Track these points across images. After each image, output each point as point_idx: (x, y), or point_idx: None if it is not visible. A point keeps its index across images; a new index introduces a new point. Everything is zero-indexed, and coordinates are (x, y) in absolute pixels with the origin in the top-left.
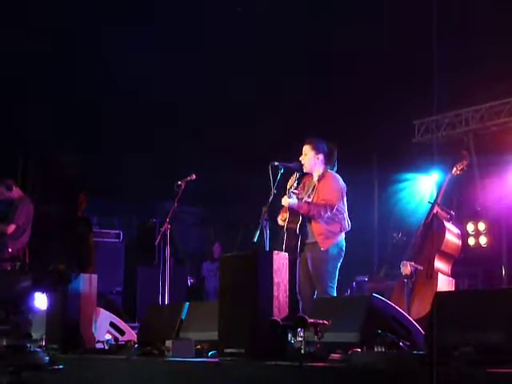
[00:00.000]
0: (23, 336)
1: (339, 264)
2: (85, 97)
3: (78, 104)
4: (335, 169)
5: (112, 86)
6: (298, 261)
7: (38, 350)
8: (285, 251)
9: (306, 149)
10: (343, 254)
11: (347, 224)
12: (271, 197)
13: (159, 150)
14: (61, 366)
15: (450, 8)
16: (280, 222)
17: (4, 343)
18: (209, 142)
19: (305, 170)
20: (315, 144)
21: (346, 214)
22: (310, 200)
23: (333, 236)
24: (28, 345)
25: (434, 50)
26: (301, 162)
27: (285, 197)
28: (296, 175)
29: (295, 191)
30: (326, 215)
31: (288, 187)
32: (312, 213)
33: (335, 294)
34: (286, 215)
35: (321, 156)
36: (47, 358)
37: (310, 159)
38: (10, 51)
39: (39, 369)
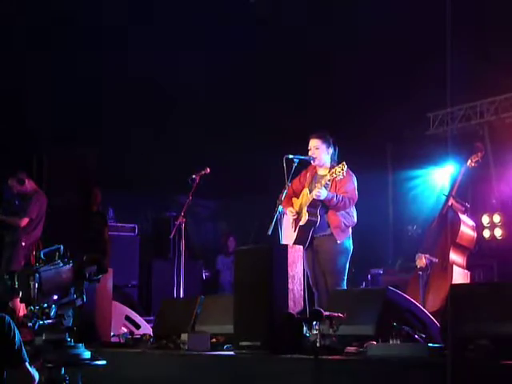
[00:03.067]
0: (64, 330)
1: (350, 256)
2: (102, 89)
3: (93, 97)
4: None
5: (127, 79)
6: (306, 255)
7: (80, 344)
8: (295, 243)
9: (317, 142)
10: (352, 247)
11: (355, 219)
12: (286, 190)
13: (174, 144)
14: (104, 362)
15: None
16: (292, 216)
17: (43, 337)
18: (223, 134)
19: (316, 163)
20: (326, 138)
21: (355, 210)
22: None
23: (346, 229)
24: (68, 339)
25: (447, 41)
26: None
27: (316, 188)
28: (340, 168)
29: (328, 183)
30: (349, 209)
31: (325, 178)
32: (340, 204)
33: (345, 286)
34: (295, 208)
35: (331, 150)
36: (88, 353)
37: (323, 152)
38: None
39: (80, 364)
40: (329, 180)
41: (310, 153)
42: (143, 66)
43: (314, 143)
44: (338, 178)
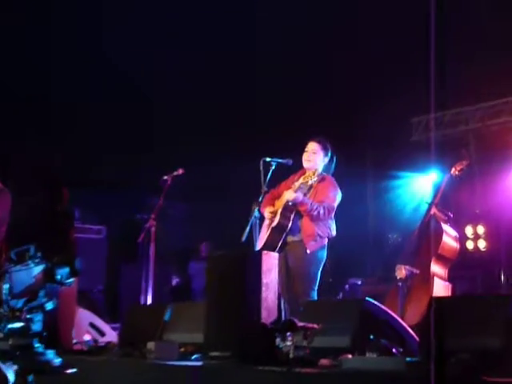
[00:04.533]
0: (32, 335)
1: (321, 267)
2: (70, 87)
3: (60, 94)
4: (331, 171)
5: (98, 77)
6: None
7: (50, 351)
8: (264, 246)
9: (315, 147)
10: (325, 258)
11: (334, 232)
12: (262, 194)
13: (146, 143)
14: (74, 370)
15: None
16: (268, 216)
17: (10, 342)
18: (198, 134)
19: (305, 166)
20: (326, 145)
21: (334, 223)
22: (307, 197)
23: (320, 240)
24: (37, 345)
25: (431, 44)
26: (289, 158)
27: (290, 190)
28: (312, 173)
29: (304, 186)
30: (324, 218)
31: (299, 181)
32: (313, 212)
33: (316, 297)
34: (273, 209)
35: (326, 158)
36: (59, 360)
37: (319, 159)
38: None
39: (47, 372)
40: (302, 183)
41: (305, 155)
42: (116, 64)
43: (312, 146)
44: (309, 182)
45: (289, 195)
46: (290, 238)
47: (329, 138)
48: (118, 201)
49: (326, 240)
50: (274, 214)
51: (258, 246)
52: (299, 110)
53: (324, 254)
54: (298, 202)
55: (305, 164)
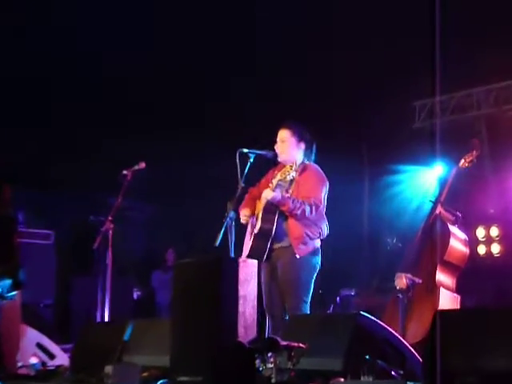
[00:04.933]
0: None
1: (315, 275)
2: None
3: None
4: (313, 160)
5: (47, 69)
6: (264, 271)
7: None
8: (249, 256)
9: (285, 134)
10: (320, 264)
11: (326, 229)
12: (238, 191)
13: (101, 134)
14: None
15: None
16: (244, 219)
17: None
18: (163, 125)
19: (280, 160)
20: (297, 129)
21: (325, 217)
22: (287, 195)
23: (311, 242)
24: None
25: (436, 16)
26: (275, 149)
27: (267, 189)
28: (289, 167)
29: (283, 183)
30: (312, 216)
31: (276, 178)
32: (296, 211)
33: (308, 311)
34: (249, 212)
35: (302, 145)
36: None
37: (290, 147)
38: None
39: None
40: (280, 180)
41: (276, 146)
42: (67, 57)
43: (281, 134)
44: (288, 178)
45: (266, 194)
46: (276, 245)
47: (310, 124)
48: (69, 201)
49: (319, 242)
50: (249, 217)
51: (243, 255)
52: (278, 94)
53: (317, 258)
54: (277, 201)
55: (279, 157)
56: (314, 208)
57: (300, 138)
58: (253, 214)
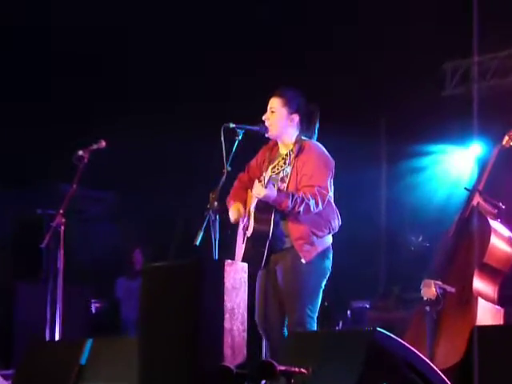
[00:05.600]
0: None
1: (324, 282)
2: None
3: None
4: (315, 139)
5: None
6: (259, 276)
7: None
8: (243, 261)
9: (275, 103)
10: (330, 268)
11: (337, 220)
12: (223, 177)
13: (50, 108)
14: None
15: None
16: (233, 218)
17: None
18: (130, 96)
19: (269, 135)
20: (289, 98)
21: (334, 205)
22: (284, 185)
23: (318, 241)
24: None
25: None
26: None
27: (258, 184)
28: (282, 159)
29: (276, 177)
30: (318, 209)
31: (267, 167)
32: (298, 209)
33: (315, 327)
34: (238, 211)
35: (296, 117)
36: None
37: (280, 119)
38: None
39: None
40: (272, 177)
41: (264, 116)
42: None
43: (271, 103)
44: (282, 174)
45: (257, 192)
46: (276, 248)
47: (316, 99)
48: (9, 191)
49: (329, 238)
50: (238, 217)
51: (236, 260)
52: (277, 60)
53: (327, 261)
54: (272, 201)
55: (267, 132)
56: (320, 200)
57: (293, 108)
58: (243, 213)
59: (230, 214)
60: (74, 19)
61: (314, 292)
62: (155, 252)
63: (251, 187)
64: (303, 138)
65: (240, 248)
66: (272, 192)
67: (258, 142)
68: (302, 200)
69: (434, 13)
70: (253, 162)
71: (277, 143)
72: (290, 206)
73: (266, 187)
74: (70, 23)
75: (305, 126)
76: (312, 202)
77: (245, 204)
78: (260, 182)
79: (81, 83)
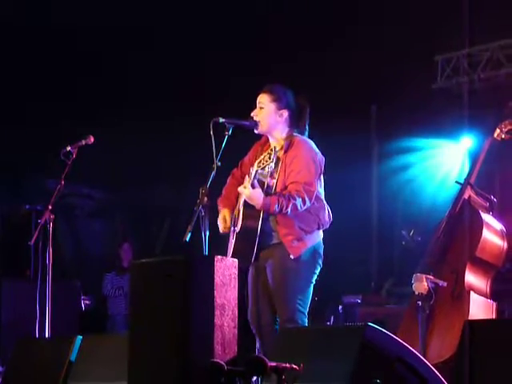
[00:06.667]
0: None
1: (315, 278)
2: None
3: None
4: (306, 135)
5: None
6: (250, 273)
7: None
8: (233, 257)
9: (264, 99)
10: (321, 263)
11: (327, 216)
12: (213, 172)
13: (36, 105)
14: None
15: None
16: (221, 230)
17: None
18: (117, 92)
19: (259, 131)
20: (278, 93)
21: (324, 201)
22: (273, 181)
23: (307, 236)
24: None
25: None
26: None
27: (246, 181)
28: (268, 155)
29: (263, 172)
30: (305, 206)
31: (254, 168)
32: (285, 210)
33: (306, 323)
34: (227, 217)
35: (285, 112)
36: None
37: (269, 115)
38: None
39: None
40: (258, 170)
41: (253, 112)
42: None
43: (259, 99)
44: (268, 169)
45: (243, 192)
46: (265, 244)
47: (308, 91)
48: None
49: (319, 234)
50: (229, 227)
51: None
52: (265, 49)
53: (317, 257)
54: (264, 205)
55: (256, 128)
56: (306, 197)
57: (282, 104)
58: (229, 222)
59: (218, 222)
60: (74, 19)
61: (304, 288)
62: (143, 247)
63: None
64: (294, 134)
65: (231, 244)
66: (258, 197)
67: (252, 138)
68: (289, 201)
69: (425, 5)
70: (246, 158)
71: (268, 139)
72: (277, 210)
73: (252, 184)
74: (70, 22)
75: (295, 122)
76: (299, 201)
77: (236, 201)
78: (247, 177)
79: (73, 80)
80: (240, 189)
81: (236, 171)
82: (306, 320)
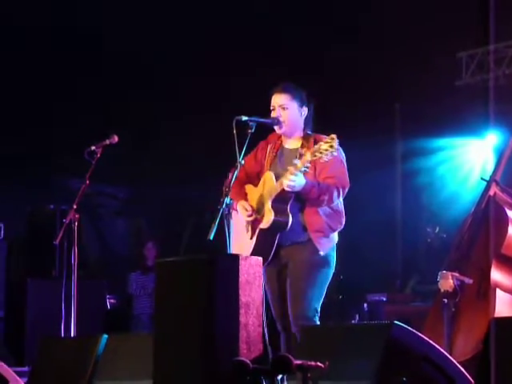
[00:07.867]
0: None
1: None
2: None
3: None
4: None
5: None
6: (272, 272)
7: None
8: (253, 253)
9: (285, 99)
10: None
11: (343, 218)
12: (236, 170)
13: (62, 105)
14: None
15: None
16: (244, 213)
17: None
18: (138, 91)
19: (282, 131)
20: (297, 93)
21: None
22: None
23: (332, 234)
24: None
25: None
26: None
27: (289, 175)
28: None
29: (307, 169)
30: (338, 201)
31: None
32: (323, 197)
33: (317, 321)
34: (250, 205)
35: (305, 110)
36: None
37: (294, 115)
38: None
39: None
40: (309, 162)
41: (273, 114)
42: None
43: (279, 100)
44: (326, 158)
45: (294, 182)
46: (288, 241)
47: (331, 90)
48: (21, 186)
49: (337, 235)
50: (255, 209)
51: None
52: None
53: (334, 256)
54: (308, 188)
55: (280, 128)
56: (341, 192)
57: (301, 102)
58: (250, 209)
59: (239, 208)
60: (74, 19)
61: (323, 285)
62: (168, 246)
63: (248, 183)
64: (308, 132)
65: (238, 241)
66: (304, 180)
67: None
68: (327, 189)
69: (448, 1)
70: (250, 158)
71: (279, 137)
72: (317, 193)
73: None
74: (71, 23)
75: (308, 118)
76: (335, 192)
77: (245, 200)
78: (291, 173)
79: (97, 81)
80: (284, 180)
81: (241, 171)
82: (318, 319)
